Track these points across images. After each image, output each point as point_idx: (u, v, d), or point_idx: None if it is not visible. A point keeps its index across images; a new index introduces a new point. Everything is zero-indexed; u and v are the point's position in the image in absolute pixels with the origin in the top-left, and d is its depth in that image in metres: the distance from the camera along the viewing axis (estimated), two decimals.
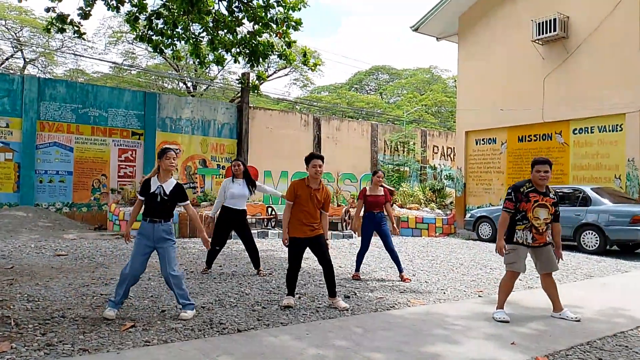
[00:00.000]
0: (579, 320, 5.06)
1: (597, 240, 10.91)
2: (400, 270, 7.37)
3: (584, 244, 11.13)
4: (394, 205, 15.80)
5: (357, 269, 7.46)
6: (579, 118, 13.90)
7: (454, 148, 22.18)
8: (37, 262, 8.02)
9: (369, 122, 23.01)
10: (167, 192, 4.92)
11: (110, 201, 14.63)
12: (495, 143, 16.14)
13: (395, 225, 7.69)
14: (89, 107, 15.17)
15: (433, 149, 23.67)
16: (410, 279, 7.30)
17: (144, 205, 4.98)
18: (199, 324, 4.67)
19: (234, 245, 11.15)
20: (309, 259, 8.73)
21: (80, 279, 6.64)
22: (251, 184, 7.49)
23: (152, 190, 4.91)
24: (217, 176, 17.19)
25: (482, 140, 16.61)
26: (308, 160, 5.56)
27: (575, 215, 11.32)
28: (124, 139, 15.75)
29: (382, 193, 7.51)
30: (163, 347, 4.00)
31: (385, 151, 22.02)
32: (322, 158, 5.60)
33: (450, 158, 23.78)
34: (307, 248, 5.61)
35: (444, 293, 6.50)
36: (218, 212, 7.54)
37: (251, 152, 17.93)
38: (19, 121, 14.04)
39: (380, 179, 7.54)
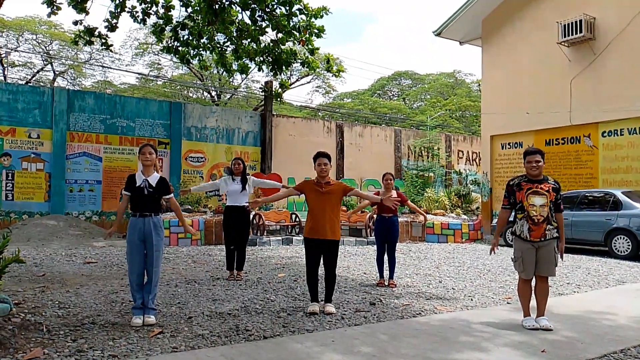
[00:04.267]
0: (550, 330, 4.84)
1: (629, 245, 10.63)
2: (390, 276, 7.34)
3: (616, 249, 10.86)
4: None
5: (381, 276, 7.42)
6: (608, 120, 13.60)
7: (479, 153, 21.92)
8: (67, 269, 8.20)
9: (392, 127, 22.92)
10: (153, 185, 5.06)
11: None
12: (521, 147, 15.88)
13: (422, 213, 7.85)
14: (117, 118, 15.48)
15: (458, 154, 23.42)
16: (396, 284, 7.25)
17: (131, 201, 5.09)
18: (225, 330, 4.70)
19: (259, 251, 11.21)
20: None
21: (110, 286, 6.76)
22: (243, 181, 7.65)
23: (137, 184, 5.05)
24: None
25: (508, 144, 16.38)
26: (314, 159, 5.65)
27: (606, 220, 11.07)
28: None
29: (395, 196, 7.46)
30: (190, 353, 4.04)
31: (409, 157, 21.88)
32: (328, 157, 5.62)
33: (476, 163, 23.50)
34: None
35: (472, 300, 6.41)
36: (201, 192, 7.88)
37: (275, 159, 18.03)
38: (50, 132, 14.41)
39: (389, 182, 7.50)
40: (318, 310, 5.47)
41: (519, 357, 4.11)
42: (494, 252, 5.38)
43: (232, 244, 7.65)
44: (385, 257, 7.43)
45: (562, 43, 14.30)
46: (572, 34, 13.89)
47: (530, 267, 5.04)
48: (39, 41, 26.97)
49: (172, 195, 5.30)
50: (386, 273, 7.43)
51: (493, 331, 4.83)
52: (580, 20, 13.71)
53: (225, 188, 7.69)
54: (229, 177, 7.77)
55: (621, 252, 10.74)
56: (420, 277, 8.15)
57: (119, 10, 8.51)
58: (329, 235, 5.51)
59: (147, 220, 4.99)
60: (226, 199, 7.83)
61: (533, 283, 5.14)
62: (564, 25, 14.07)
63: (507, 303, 6.23)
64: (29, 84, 25.19)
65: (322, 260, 5.64)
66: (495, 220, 14.08)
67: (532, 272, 5.06)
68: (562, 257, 5.11)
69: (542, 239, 4.99)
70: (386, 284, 7.28)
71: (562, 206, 5.14)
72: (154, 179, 5.10)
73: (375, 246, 7.89)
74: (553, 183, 5.10)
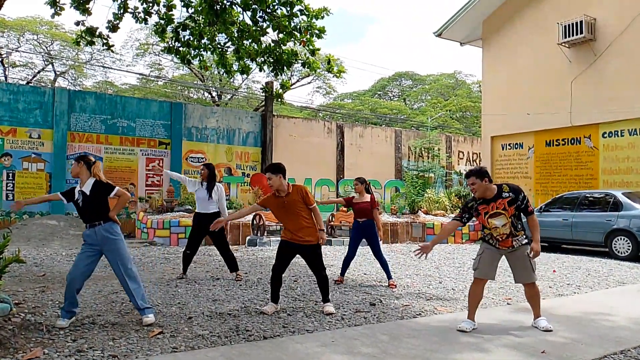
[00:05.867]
0: (550, 330, 4.82)
1: (629, 246, 10.63)
2: (389, 277, 7.31)
3: (616, 250, 10.85)
4: (419, 212, 15.66)
5: (342, 273, 7.48)
6: (609, 121, 13.60)
7: (479, 153, 21.93)
8: (68, 269, 8.15)
9: (393, 128, 22.93)
10: (87, 192, 4.91)
11: (138, 210, 14.89)
12: (522, 148, 15.90)
13: (381, 232, 7.52)
14: (118, 118, 15.50)
15: (458, 155, 23.43)
16: (396, 285, 7.23)
17: (78, 214, 5.03)
18: (225, 330, 4.70)
19: (259, 252, 11.21)
20: (333, 266, 8.73)
21: (110, 286, 6.76)
22: (209, 188, 7.49)
23: (75, 198, 4.97)
24: (242, 184, 17.31)
25: (509, 145, 16.38)
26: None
27: (606, 221, 11.06)
28: (151, 149, 16.03)
29: (367, 200, 7.36)
30: (190, 353, 4.04)
31: (409, 157, 21.88)
32: (272, 170, 5.40)
33: (476, 163, 23.49)
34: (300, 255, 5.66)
35: None
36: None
37: (275, 160, 18.03)
38: (50, 132, 14.43)
39: (357, 186, 7.38)
40: (271, 311, 5.42)
41: (519, 357, 4.11)
42: (424, 258, 5.11)
43: (189, 249, 7.55)
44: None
45: (563, 44, 14.31)
46: (573, 35, 13.89)
47: (485, 266, 4.94)
48: (40, 41, 26.98)
49: (116, 189, 4.99)
50: (383, 275, 7.44)
51: (493, 332, 4.83)
52: (581, 21, 13.71)
53: (193, 190, 7.57)
54: (201, 181, 7.60)
55: (621, 253, 10.73)
56: (421, 277, 8.14)
57: (121, 11, 8.54)
58: (304, 239, 5.45)
59: (97, 230, 4.88)
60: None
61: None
62: (565, 26, 14.08)
63: (507, 304, 6.23)
64: (30, 84, 25.21)
65: (307, 264, 5.69)
66: None
67: (485, 273, 4.95)
68: (533, 257, 4.87)
69: (510, 248, 4.92)
70: (341, 282, 7.36)
71: (530, 207, 4.94)
72: (87, 186, 4.94)
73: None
74: (508, 194, 4.86)
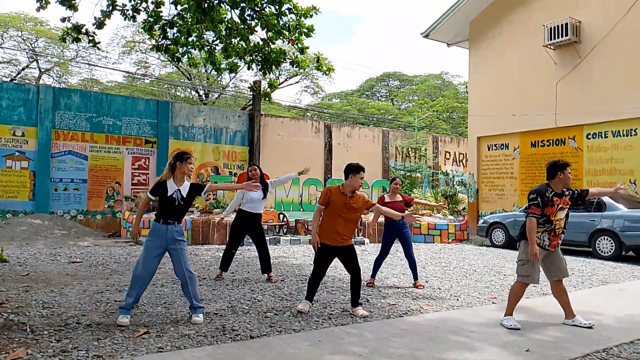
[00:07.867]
0: (592, 327, 4.97)
1: (612, 246, 10.77)
2: (415, 277, 7.31)
3: (599, 249, 10.99)
4: (406, 211, 15.72)
5: (373, 275, 7.42)
6: (593, 123, 13.78)
7: (466, 154, 22.08)
8: (52, 269, 8.10)
9: (380, 128, 23.00)
10: (185, 196, 5.03)
11: (124, 209, 14.77)
12: (507, 149, 16.04)
13: (434, 205, 7.78)
14: (103, 116, 15.35)
15: (445, 155, 23.57)
16: (423, 286, 7.27)
17: (158, 207, 5.04)
18: (212, 330, 4.68)
19: (246, 251, 11.16)
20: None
21: (95, 286, 6.70)
22: (264, 187, 7.50)
23: (169, 194, 4.98)
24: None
25: (495, 145, 16.51)
26: (355, 170, 5.40)
27: (590, 221, 11.20)
28: (137, 147, 15.91)
29: (401, 199, 7.48)
30: (176, 353, 4.01)
31: (396, 157, 21.97)
32: (364, 170, 5.54)
33: (463, 164, 23.66)
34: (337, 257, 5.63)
35: (458, 300, 6.45)
36: (232, 216, 7.62)
37: (263, 159, 18.00)
38: (35, 130, 14.24)
39: (398, 186, 7.53)
40: (307, 309, 5.47)
41: (505, 356, 4.15)
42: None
43: (234, 247, 7.56)
44: (401, 261, 7.42)
45: (548, 46, 14.46)
46: (558, 37, 14.05)
47: (536, 273, 5.05)
48: (25, 38, 26.62)
49: (207, 187, 5.26)
50: (405, 277, 7.44)
51: (479, 330, 4.87)
52: (566, 24, 13.87)
53: (246, 196, 7.44)
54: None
55: (605, 253, 10.87)
56: (407, 277, 8.17)
57: (110, 8, 8.46)
58: (346, 242, 5.55)
59: (170, 228, 4.96)
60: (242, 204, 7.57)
61: (545, 288, 5.13)
62: (550, 29, 14.23)
63: (493, 303, 6.28)
64: (14, 81, 24.85)
65: (344, 265, 5.71)
66: (482, 221, 14.19)
67: (537, 278, 5.08)
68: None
69: (557, 247, 5.11)
70: (372, 284, 7.29)
71: None
72: (185, 188, 5.05)
73: (371, 247, 7.86)
74: (568, 192, 5.17)
